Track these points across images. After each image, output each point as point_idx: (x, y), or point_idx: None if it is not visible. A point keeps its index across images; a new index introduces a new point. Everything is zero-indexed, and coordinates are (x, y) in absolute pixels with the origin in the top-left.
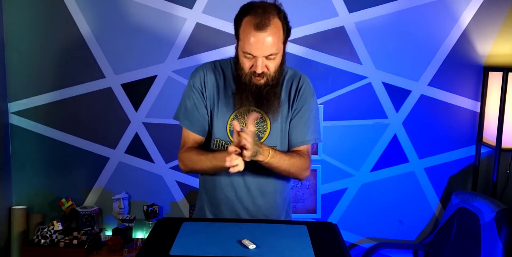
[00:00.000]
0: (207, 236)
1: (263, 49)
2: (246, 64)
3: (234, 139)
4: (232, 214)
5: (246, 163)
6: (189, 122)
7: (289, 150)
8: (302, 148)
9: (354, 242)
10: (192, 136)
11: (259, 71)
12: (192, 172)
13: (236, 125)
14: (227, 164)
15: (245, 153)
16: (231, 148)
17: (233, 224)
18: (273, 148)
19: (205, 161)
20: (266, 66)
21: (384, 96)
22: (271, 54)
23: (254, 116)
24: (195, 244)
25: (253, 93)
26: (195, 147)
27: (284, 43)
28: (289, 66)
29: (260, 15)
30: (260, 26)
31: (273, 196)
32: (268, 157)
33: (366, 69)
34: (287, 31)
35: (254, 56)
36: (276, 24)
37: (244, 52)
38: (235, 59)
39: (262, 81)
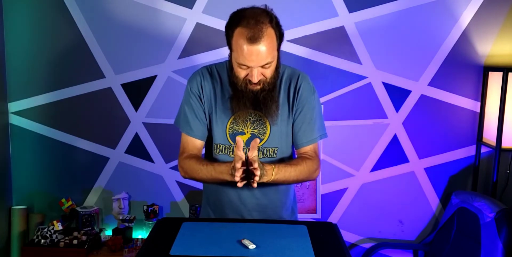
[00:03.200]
0: (207, 236)
1: (258, 60)
2: (242, 73)
3: (235, 155)
4: (237, 216)
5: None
6: (189, 127)
7: (297, 151)
8: (309, 147)
9: (354, 242)
10: (191, 141)
11: (255, 80)
12: (192, 180)
13: (239, 142)
14: (236, 179)
15: (256, 178)
16: (238, 165)
17: (233, 224)
18: (276, 165)
19: (205, 172)
20: (262, 74)
21: (384, 96)
22: (266, 64)
23: (256, 143)
24: (195, 244)
25: (250, 99)
26: (196, 154)
27: (278, 49)
28: (287, 65)
29: (252, 27)
30: (254, 40)
31: (276, 195)
32: (272, 175)
33: (366, 69)
34: (280, 37)
35: (249, 67)
36: (269, 34)
37: (239, 64)
38: (230, 66)
39: (258, 87)
